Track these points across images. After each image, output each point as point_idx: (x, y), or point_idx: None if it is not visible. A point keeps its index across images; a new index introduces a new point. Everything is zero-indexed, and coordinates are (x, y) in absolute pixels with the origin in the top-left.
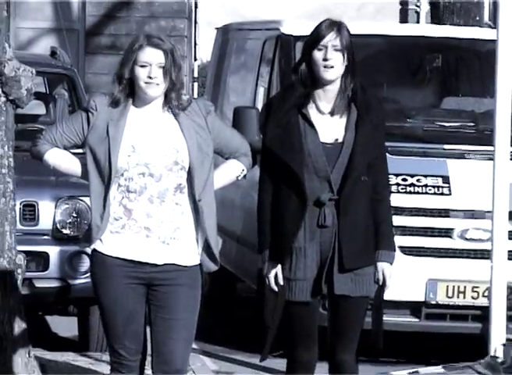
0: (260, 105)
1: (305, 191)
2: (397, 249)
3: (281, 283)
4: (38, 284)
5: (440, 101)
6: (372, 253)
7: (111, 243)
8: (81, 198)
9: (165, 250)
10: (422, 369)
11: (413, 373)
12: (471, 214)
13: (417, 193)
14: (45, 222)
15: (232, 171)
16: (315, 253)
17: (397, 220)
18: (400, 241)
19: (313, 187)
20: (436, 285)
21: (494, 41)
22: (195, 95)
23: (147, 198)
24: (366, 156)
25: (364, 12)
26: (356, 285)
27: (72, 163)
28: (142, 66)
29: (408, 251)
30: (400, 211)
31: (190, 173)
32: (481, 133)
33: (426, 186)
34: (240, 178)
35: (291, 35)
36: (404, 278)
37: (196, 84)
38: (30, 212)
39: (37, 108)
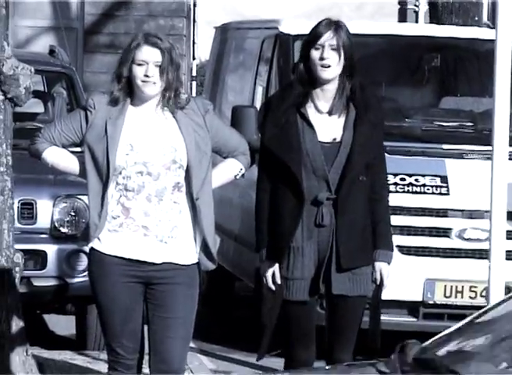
0: (258, 104)
1: (303, 190)
2: (395, 249)
3: (278, 282)
4: (36, 283)
5: (439, 100)
6: (370, 253)
7: (109, 241)
8: (79, 196)
9: (163, 249)
10: (321, 367)
11: (314, 369)
12: (469, 214)
13: (416, 193)
14: (43, 220)
15: (230, 170)
16: (313, 252)
17: (395, 220)
18: (397, 240)
19: (311, 187)
20: (434, 285)
21: (493, 41)
22: (193, 94)
23: (145, 197)
24: (364, 156)
25: (362, 11)
26: (353, 285)
27: (70, 161)
28: (139, 65)
29: (406, 250)
30: (398, 210)
31: (188, 171)
32: (480, 133)
33: (424, 185)
34: (238, 177)
35: (290, 34)
36: (402, 278)
37: (194, 83)
38: (28, 211)
39: (35, 106)
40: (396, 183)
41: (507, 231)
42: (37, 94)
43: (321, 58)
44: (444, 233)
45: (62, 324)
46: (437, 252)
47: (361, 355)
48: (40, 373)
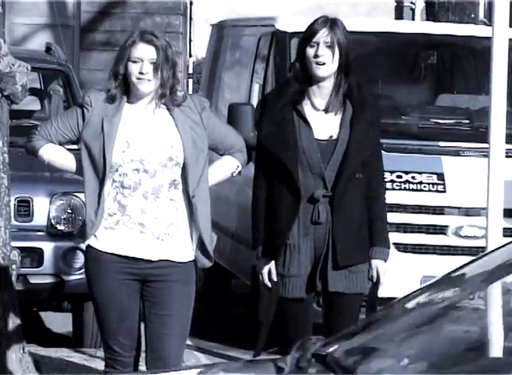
0: (255, 102)
1: (299, 187)
2: (392, 246)
3: (274, 279)
4: (33, 280)
5: (435, 98)
6: (366, 250)
7: (105, 239)
8: (76, 193)
9: (160, 246)
10: (222, 365)
11: (209, 365)
12: (466, 211)
13: (412, 190)
14: (40, 218)
15: (227, 167)
16: (309, 249)
17: (392, 217)
18: (394, 237)
19: (307, 184)
20: None
21: (489, 39)
22: (190, 91)
23: (141, 194)
24: (360, 153)
25: (359, 9)
26: (350, 282)
27: (66, 159)
28: (134, 62)
29: (403, 248)
30: (395, 208)
31: (184, 169)
32: (476, 131)
33: (421, 183)
34: (234, 174)
35: (286, 32)
36: (399, 275)
37: (191, 81)
38: (24, 208)
39: (31, 103)
40: (392, 181)
41: (504, 228)
42: (33, 91)
43: (316, 56)
44: (441, 230)
45: (59, 322)
46: (434, 250)
47: None
48: (36, 370)
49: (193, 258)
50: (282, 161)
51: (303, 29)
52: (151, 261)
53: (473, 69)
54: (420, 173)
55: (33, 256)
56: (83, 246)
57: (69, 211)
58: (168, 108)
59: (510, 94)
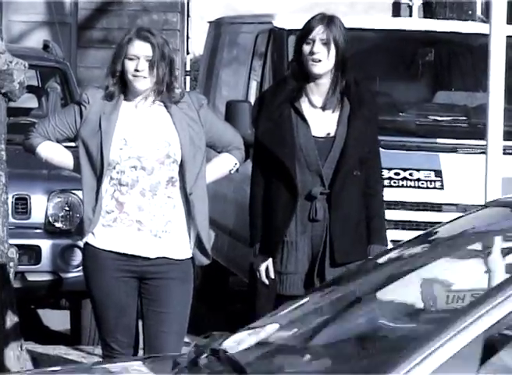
0: (252, 99)
1: (296, 184)
2: (389, 243)
3: (272, 276)
4: (30, 278)
5: (433, 95)
6: (364, 247)
7: (103, 236)
8: (73, 191)
9: (157, 243)
10: (123, 363)
11: (98, 363)
12: (464, 208)
13: (410, 187)
14: (37, 215)
15: (224, 165)
16: (306, 247)
17: (390, 214)
18: (392, 235)
19: (305, 181)
20: None
21: (487, 35)
22: (187, 89)
23: (138, 192)
24: (358, 150)
25: (356, 6)
26: None
27: (64, 156)
28: (130, 59)
29: None
30: (393, 205)
31: (181, 166)
32: (474, 128)
33: (419, 180)
34: (232, 172)
35: (284, 29)
36: None
37: (188, 78)
38: (22, 206)
39: (29, 101)
40: (390, 178)
41: None
42: (31, 89)
43: (312, 53)
44: None
45: (57, 319)
46: None
47: None
48: (34, 367)
49: (191, 255)
50: (280, 158)
51: (300, 26)
52: (148, 258)
53: (470, 66)
54: (418, 170)
55: (31, 254)
56: (80, 243)
57: (67, 208)
58: (165, 106)
59: (508, 91)
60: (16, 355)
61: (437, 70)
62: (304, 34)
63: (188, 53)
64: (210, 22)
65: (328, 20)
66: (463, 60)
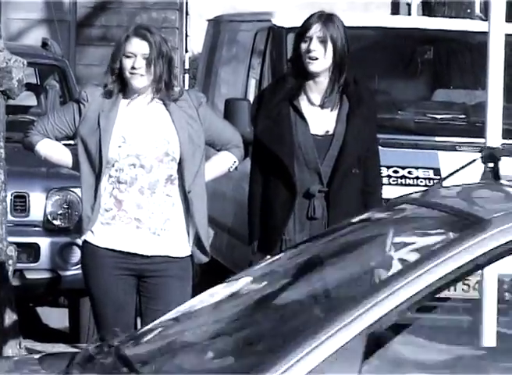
0: (251, 97)
1: (295, 182)
2: None
3: None
4: (29, 276)
5: (431, 93)
6: None
7: (101, 234)
8: (72, 189)
9: (156, 241)
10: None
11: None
12: None
13: (409, 185)
14: (36, 213)
15: (223, 163)
16: None
17: None
18: None
19: (303, 179)
20: None
21: (485, 33)
22: (186, 87)
23: (137, 189)
24: (357, 148)
25: (355, 4)
26: None
27: (63, 154)
28: (128, 57)
29: None
30: None
31: (180, 164)
32: (473, 126)
33: (417, 178)
34: (231, 170)
35: (283, 27)
36: None
37: (187, 76)
38: (21, 204)
39: (28, 99)
40: (389, 176)
41: None
42: (29, 86)
43: (308, 51)
44: None
45: (55, 317)
46: None
47: None
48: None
49: (190, 253)
50: (278, 156)
51: (299, 24)
52: (147, 256)
53: (469, 64)
54: (416, 168)
55: (30, 252)
56: (79, 241)
57: (66, 206)
58: (164, 104)
59: (507, 89)
60: (15, 353)
61: (436, 68)
62: (301, 32)
63: (187, 51)
64: (209, 20)
65: (326, 18)
66: (462, 58)
